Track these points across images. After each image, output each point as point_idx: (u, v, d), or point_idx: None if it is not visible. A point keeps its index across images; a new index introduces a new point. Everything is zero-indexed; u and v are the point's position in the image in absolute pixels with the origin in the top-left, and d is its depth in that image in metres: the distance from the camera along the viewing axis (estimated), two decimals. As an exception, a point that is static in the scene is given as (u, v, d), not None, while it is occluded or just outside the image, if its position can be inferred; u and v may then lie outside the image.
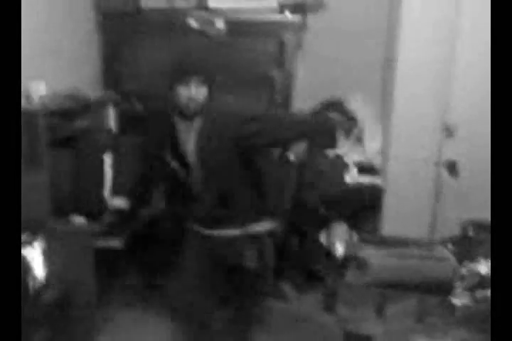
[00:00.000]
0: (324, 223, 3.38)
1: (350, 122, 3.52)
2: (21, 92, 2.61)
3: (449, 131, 3.09)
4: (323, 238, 3.37)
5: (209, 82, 2.18)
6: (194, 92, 2.12)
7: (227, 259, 2.35)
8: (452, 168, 3.11)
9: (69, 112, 2.79)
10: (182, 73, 2.16)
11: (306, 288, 3.38)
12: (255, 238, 2.32)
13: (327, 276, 3.16)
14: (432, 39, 3.03)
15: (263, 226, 2.36)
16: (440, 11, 3.01)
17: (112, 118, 3.18)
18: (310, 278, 3.37)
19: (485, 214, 2.80)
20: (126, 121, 3.29)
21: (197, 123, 2.23)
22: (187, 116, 2.21)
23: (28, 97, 2.62)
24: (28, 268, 2.22)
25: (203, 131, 2.22)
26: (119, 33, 3.43)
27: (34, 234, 2.28)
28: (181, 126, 2.27)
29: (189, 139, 2.25)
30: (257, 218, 2.35)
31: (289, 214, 3.10)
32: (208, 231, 2.36)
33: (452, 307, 2.05)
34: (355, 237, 3.31)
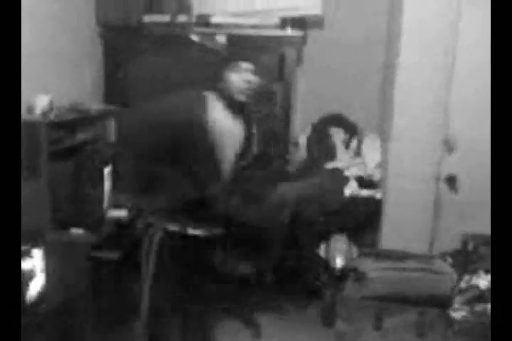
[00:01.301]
0: (323, 236, 3.38)
1: (348, 135, 3.56)
2: (24, 104, 2.65)
3: (449, 146, 3.10)
4: (322, 251, 3.37)
5: (260, 72, 2.09)
6: (247, 77, 2.05)
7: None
8: (452, 182, 3.12)
9: (70, 124, 2.81)
10: (231, 60, 2.11)
11: (305, 302, 3.36)
12: None
13: (326, 289, 3.15)
14: (432, 52, 3.05)
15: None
16: (440, 23, 3.03)
17: (113, 131, 3.19)
18: (308, 292, 3.35)
19: (484, 228, 2.81)
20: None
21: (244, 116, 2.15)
22: (238, 106, 2.11)
23: (31, 109, 2.65)
24: (26, 279, 2.21)
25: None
26: (121, 46, 3.47)
27: (33, 244, 2.28)
28: (226, 118, 2.16)
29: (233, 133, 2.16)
30: None
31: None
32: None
33: (451, 320, 2.04)
34: (355, 250, 3.31)
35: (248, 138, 2.19)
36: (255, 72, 2.06)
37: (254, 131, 2.24)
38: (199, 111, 2.11)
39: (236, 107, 2.13)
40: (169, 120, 2.11)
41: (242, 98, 2.10)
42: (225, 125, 2.14)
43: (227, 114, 2.14)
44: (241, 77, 2.05)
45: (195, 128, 2.10)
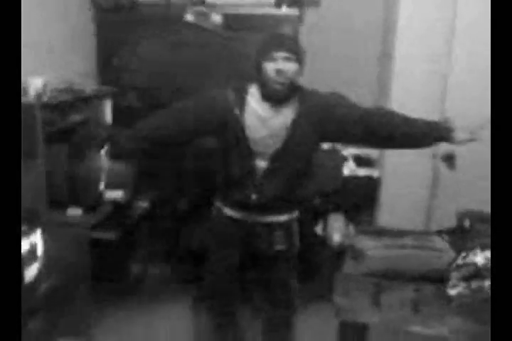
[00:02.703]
0: (321, 214, 3.40)
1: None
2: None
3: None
4: (319, 229, 3.39)
5: (298, 58, 2.03)
6: (282, 66, 1.99)
7: (258, 244, 2.34)
8: (449, 160, 3.12)
9: (65, 106, 2.80)
10: (268, 49, 2.03)
11: (302, 278, 3.38)
12: (282, 224, 2.34)
13: (323, 267, 3.18)
14: (428, 35, 3.03)
15: (294, 214, 2.38)
16: (437, 8, 3.00)
17: (108, 112, 3.18)
18: (306, 268, 3.38)
19: (481, 206, 2.82)
20: (122, 114, 3.30)
21: (288, 109, 2.11)
22: (275, 97, 2.07)
23: (25, 91, 2.63)
24: (23, 260, 2.22)
25: (299, 118, 2.09)
26: (115, 27, 3.43)
27: (30, 225, 2.28)
28: (262, 110, 2.11)
29: (270, 125, 2.11)
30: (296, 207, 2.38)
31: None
32: (251, 217, 2.30)
33: (448, 297, 2.05)
34: (352, 229, 3.33)
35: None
36: (291, 59, 2.02)
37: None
38: (235, 106, 2.12)
39: (277, 98, 2.09)
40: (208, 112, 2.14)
41: (279, 88, 2.04)
42: (265, 119, 2.13)
43: (267, 106, 2.12)
44: (275, 66, 2.00)
45: (231, 122, 2.12)
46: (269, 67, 2.01)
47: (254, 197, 2.21)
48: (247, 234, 2.34)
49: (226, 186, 2.30)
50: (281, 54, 2.00)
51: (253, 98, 2.13)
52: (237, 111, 2.11)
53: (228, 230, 2.34)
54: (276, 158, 2.16)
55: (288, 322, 2.55)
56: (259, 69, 2.05)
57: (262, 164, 2.18)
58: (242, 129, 2.12)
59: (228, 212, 2.32)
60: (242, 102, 2.12)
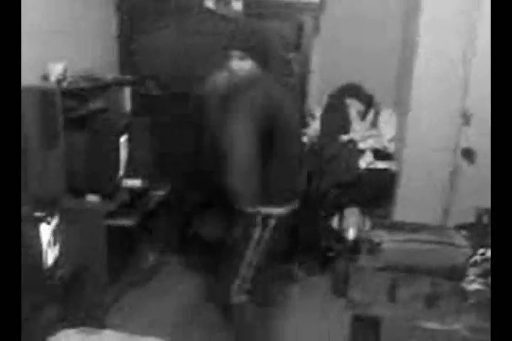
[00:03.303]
0: (337, 207, 3.39)
1: (364, 106, 3.52)
2: (39, 72, 2.64)
3: (466, 119, 3.05)
4: (335, 222, 3.38)
5: (256, 57, 2.18)
6: (236, 64, 2.18)
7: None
8: (469, 155, 3.08)
9: (85, 92, 2.81)
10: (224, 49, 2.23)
11: (317, 271, 3.39)
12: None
13: (338, 260, 3.17)
14: (453, 25, 2.98)
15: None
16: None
17: (127, 100, 3.18)
18: (321, 262, 3.38)
19: (500, 202, 2.79)
20: (142, 102, 3.31)
21: None
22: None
23: (46, 77, 2.64)
24: (42, 245, 2.24)
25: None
26: (137, 14, 3.42)
27: (49, 211, 2.30)
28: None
29: None
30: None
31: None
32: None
33: (464, 292, 2.04)
34: (368, 222, 3.31)
35: None
36: (243, 58, 2.19)
37: None
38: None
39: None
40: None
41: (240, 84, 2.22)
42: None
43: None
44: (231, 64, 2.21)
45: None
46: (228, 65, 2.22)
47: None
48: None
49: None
50: (235, 53, 2.19)
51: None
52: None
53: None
54: None
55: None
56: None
57: None
58: None
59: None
60: None
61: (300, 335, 2.78)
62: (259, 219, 2.30)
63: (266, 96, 2.18)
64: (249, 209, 2.27)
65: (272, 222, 2.32)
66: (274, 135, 2.20)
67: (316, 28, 3.47)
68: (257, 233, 2.32)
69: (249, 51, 2.18)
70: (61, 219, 2.38)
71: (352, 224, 3.26)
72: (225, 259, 2.38)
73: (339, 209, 3.37)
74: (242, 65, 2.19)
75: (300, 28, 3.25)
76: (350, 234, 3.24)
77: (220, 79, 2.34)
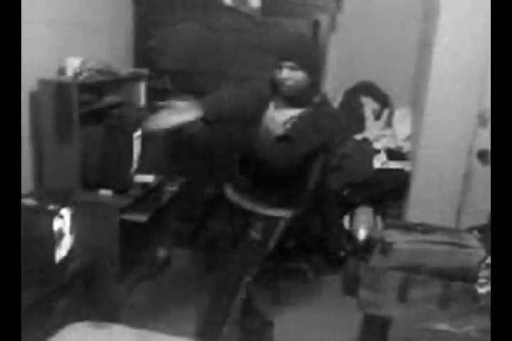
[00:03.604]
0: (349, 207, 3.38)
1: (380, 105, 3.50)
2: (56, 66, 2.66)
3: (483, 120, 3.03)
4: (346, 222, 3.37)
5: (305, 67, 2.16)
6: (286, 75, 2.15)
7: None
8: (484, 157, 3.05)
9: (100, 87, 2.82)
10: (275, 57, 2.21)
11: (327, 271, 3.38)
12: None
13: (348, 259, 3.16)
14: (470, 25, 2.95)
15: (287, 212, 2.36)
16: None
17: (142, 95, 3.19)
18: (332, 260, 3.37)
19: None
20: (156, 97, 3.31)
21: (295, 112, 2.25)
22: (288, 98, 2.23)
23: (62, 70, 2.66)
24: (56, 238, 2.26)
25: (301, 118, 2.21)
26: (153, 8, 3.43)
27: (62, 204, 2.32)
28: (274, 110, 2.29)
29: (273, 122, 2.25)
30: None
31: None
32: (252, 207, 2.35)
33: (476, 295, 2.03)
34: (380, 222, 3.30)
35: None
36: (295, 68, 2.15)
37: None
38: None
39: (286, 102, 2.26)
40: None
41: (286, 94, 2.21)
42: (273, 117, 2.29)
43: (279, 107, 2.30)
44: (280, 75, 2.17)
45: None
46: (277, 75, 2.19)
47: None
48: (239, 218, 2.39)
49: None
50: (287, 63, 2.15)
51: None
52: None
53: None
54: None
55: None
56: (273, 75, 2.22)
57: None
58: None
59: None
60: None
61: (310, 335, 2.78)
62: (275, 221, 2.33)
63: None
64: (269, 212, 2.31)
65: (283, 224, 2.35)
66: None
67: (333, 26, 3.46)
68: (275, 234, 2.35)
69: (302, 62, 2.16)
70: (74, 213, 2.40)
71: (363, 224, 3.25)
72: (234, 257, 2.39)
73: (351, 208, 3.36)
74: (292, 75, 2.16)
75: (316, 26, 3.24)
76: (361, 234, 3.24)
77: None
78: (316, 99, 2.26)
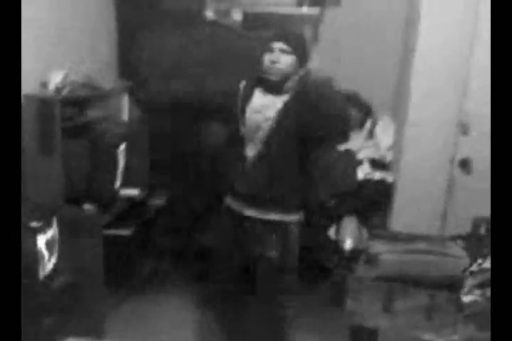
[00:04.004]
0: (334, 217, 3.39)
1: (363, 115, 3.52)
2: (38, 80, 2.64)
3: (464, 128, 3.06)
4: (332, 232, 3.38)
5: (298, 52, 2.11)
6: (277, 57, 2.08)
7: (251, 246, 2.30)
8: (466, 165, 3.09)
9: (83, 101, 2.81)
10: (269, 41, 2.13)
11: (313, 281, 3.38)
12: (279, 225, 2.26)
13: (336, 270, 3.16)
14: (451, 33, 2.99)
15: (294, 216, 2.31)
16: (462, 5, 2.96)
17: (125, 107, 3.19)
18: (319, 271, 3.37)
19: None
20: (140, 110, 3.30)
21: (284, 98, 2.17)
22: (271, 86, 2.15)
23: (45, 84, 2.65)
24: (38, 255, 2.23)
25: (289, 105, 2.15)
26: (136, 20, 3.42)
27: (46, 221, 2.29)
28: (260, 98, 2.20)
29: (264, 113, 2.18)
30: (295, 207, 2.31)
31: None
32: (248, 211, 2.28)
33: (461, 304, 2.05)
34: (365, 233, 3.31)
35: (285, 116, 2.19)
36: (287, 52, 2.09)
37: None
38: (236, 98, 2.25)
39: (271, 88, 2.19)
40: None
41: (273, 78, 2.13)
42: (260, 107, 2.21)
43: (265, 95, 2.22)
44: (271, 57, 2.09)
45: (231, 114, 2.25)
46: (266, 58, 2.11)
47: (240, 184, 2.25)
48: (243, 231, 2.30)
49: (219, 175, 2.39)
50: (278, 45, 2.08)
51: (257, 88, 2.23)
52: (239, 99, 2.23)
53: (227, 224, 2.34)
54: (265, 144, 2.18)
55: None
56: (259, 60, 2.14)
57: (251, 152, 2.22)
58: (237, 116, 2.22)
59: (228, 201, 2.34)
60: (248, 91, 2.24)
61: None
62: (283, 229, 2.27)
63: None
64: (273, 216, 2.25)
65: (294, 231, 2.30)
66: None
67: (315, 38, 3.49)
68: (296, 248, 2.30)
69: (294, 46, 2.09)
70: (58, 229, 2.37)
71: (349, 234, 3.26)
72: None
73: (337, 219, 3.37)
74: (283, 59, 2.09)
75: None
76: (348, 244, 3.24)
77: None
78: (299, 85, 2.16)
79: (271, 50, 2.09)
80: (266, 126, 2.17)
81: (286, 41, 2.09)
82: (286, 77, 2.13)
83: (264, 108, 2.19)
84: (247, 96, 2.24)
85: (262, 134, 2.19)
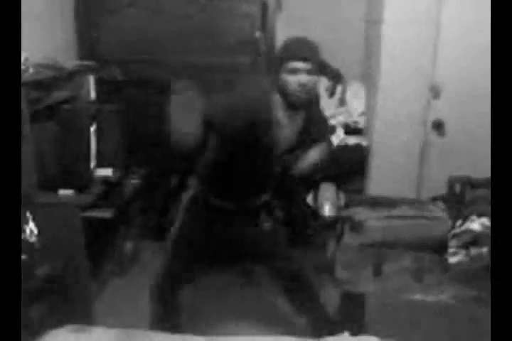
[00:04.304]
0: (311, 184, 3.40)
1: (332, 82, 3.50)
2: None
3: (435, 91, 3.08)
4: (310, 199, 3.40)
5: (321, 70, 2.02)
6: (304, 80, 1.95)
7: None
8: (439, 127, 3.12)
9: (48, 82, 2.70)
10: (289, 58, 1.96)
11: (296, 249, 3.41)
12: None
13: (317, 237, 3.19)
14: (418, 6, 2.98)
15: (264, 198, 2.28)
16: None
17: (92, 87, 3.08)
18: (299, 239, 3.39)
19: (471, 172, 2.86)
20: (107, 89, 3.21)
21: (300, 115, 2.12)
22: (294, 105, 2.05)
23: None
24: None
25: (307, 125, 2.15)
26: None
27: (22, 209, 2.23)
28: (282, 118, 2.09)
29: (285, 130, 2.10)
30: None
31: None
32: (225, 202, 2.20)
33: (447, 264, 2.10)
34: (342, 198, 3.34)
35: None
36: (312, 72, 1.97)
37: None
38: (266, 111, 2.04)
39: (294, 107, 2.08)
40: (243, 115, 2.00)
41: (298, 99, 2.01)
42: (282, 124, 2.10)
43: (286, 113, 2.10)
44: (297, 79, 1.95)
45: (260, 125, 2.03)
46: (291, 79, 1.96)
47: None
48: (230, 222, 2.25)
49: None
50: (301, 65, 1.95)
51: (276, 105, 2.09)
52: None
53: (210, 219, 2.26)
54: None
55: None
56: (278, 79, 2.00)
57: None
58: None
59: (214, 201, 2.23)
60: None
61: (285, 313, 2.80)
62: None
63: None
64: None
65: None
66: None
67: (279, 6, 3.42)
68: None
69: (314, 61, 1.97)
70: (35, 216, 2.31)
71: (327, 200, 3.28)
72: None
73: (314, 185, 3.38)
74: (309, 80, 1.96)
75: (264, 7, 3.20)
76: (326, 210, 3.27)
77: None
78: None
79: (294, 72, 1.95)
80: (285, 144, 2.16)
81: (306, 60, 1.96)
82: (309, 98, 2.06)
83: (285, 126, 2.13)
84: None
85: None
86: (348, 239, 2.26)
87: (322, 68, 3.32)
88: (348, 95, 3.56)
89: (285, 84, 1.96)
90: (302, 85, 1.95)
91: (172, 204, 3.20)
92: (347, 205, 2.83)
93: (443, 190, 2.92)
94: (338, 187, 3.42)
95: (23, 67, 2.47)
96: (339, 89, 3.52)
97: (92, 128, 2.68)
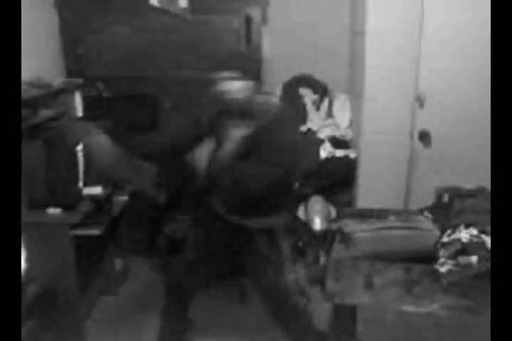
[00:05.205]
0: (301, 198, 3.41)
1: (318, 96, 3.53)
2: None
3: (420, 101, 3.11)
4: (301, 213, 3.40)
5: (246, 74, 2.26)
6: (230, 87, 2.16)
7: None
8: (425, 137, 3.15)
9: (35, 101, 2.70)
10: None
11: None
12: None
13: (308, 250, 3.19)
14: (401, 8, 3.01)
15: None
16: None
17: (78, 105, 3.09)
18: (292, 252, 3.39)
19: (459, 182, 2.87)
20: (93, 106, 3.21)
21: None
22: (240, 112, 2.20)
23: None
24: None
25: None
26: (78, 14, 3.31)
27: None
28: None
29: None
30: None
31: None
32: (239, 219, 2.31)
33: (437, 274, 2.10)
34: (333, 211, 3.35)
35: None
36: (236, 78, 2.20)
37: None
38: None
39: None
40: None
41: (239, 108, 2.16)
42: None
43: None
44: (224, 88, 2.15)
45: None
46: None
47: None
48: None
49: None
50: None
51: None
52: None
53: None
54: None
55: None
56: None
57: None
58: None
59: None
60: None
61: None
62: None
63: None
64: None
65: None
66: None
67: (264, 19, 3.46)
68: None
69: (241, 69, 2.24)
70: (24, 236, 2.29)
71: (318, 214, 3.29)
72: None
73: (303, 199, 3.39)
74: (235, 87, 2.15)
75: (249, 21, 3.23)
76: (317, 223, 3.27)
77: None
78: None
79: (218, 81, 2.17)
80: None
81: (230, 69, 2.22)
82: (249, 104, 2.19)
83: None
84: None
85: None
86: (339, 251, 2.25)
87: (308, 82, 3.38)
88: (335, 108, 3.59)
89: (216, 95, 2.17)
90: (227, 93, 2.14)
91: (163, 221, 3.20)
92: (337, 217, 2.83)
93: (431, 201, 2.93)
94: (329, 200, 3.43)
95: (8, 86, 2.47)
96: (325, 102, 3.55)
97: (80, 147, 2.67)
